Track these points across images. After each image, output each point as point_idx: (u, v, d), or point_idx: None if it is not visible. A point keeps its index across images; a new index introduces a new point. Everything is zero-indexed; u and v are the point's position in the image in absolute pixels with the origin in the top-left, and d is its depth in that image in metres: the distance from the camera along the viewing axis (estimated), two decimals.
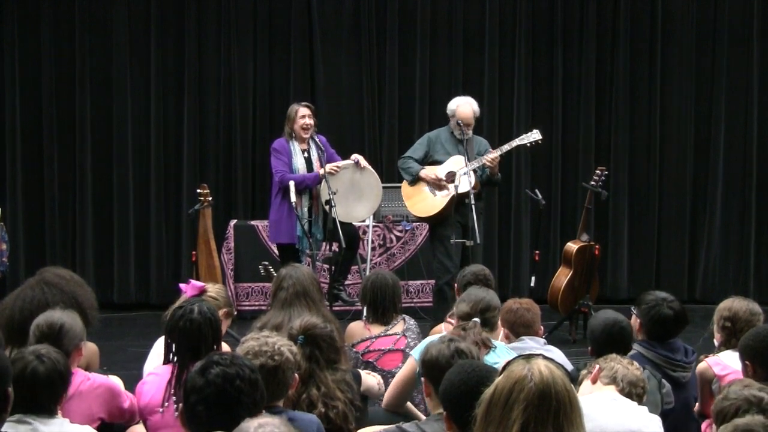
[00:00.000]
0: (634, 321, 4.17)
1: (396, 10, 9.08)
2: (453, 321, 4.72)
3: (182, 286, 4.37)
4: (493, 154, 6.78)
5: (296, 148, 6.85)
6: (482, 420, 2.21)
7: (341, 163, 6.83)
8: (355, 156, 6.90)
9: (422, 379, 3.21)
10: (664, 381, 3.81)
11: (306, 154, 6.87)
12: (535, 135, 6.97)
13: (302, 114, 6.84)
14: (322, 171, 6.70)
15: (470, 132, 6.91)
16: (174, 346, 3.49)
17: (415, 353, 4.08)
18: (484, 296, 4.17)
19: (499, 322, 4.28)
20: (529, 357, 2.26)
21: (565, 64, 9.22)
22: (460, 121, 6.84)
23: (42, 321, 3.55)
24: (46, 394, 3.04)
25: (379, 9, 9.06)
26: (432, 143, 6.98)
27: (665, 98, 9.28)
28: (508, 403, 2.15)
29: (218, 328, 3.56)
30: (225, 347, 4.06)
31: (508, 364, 2.27)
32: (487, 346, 3.76)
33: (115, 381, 3.78)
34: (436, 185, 6.84)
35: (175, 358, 3.47)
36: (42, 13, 8.68)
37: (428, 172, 6.88)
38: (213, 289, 4.35)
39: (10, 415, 2.97)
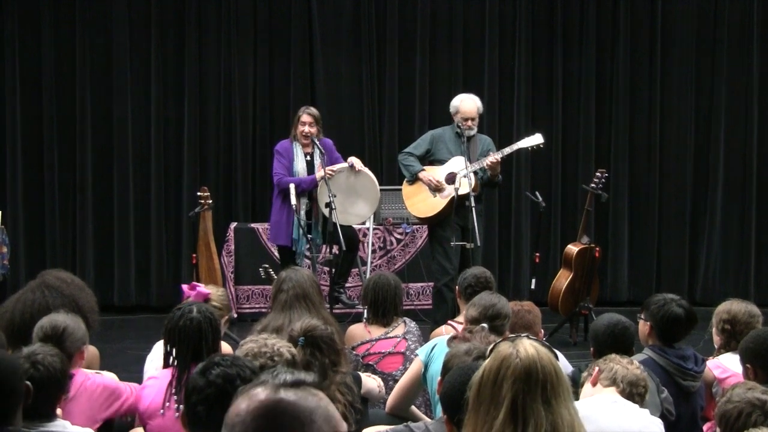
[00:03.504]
0: (643, 326, 4.12)
1: (396, 11, 9.09)
2: (455, 324, 4.72)
3: (185, 287, 4.35)
4: (494, 157, 6.76)
5: (299, 151, 6.88)
6: (474, 401, 2.26)
7: (336, 166, 6.82)
8: (351, 159, 6.89)
9: (438, 378, 3.21)
10: (663, 387, 3.79)
11: (308, 158, 6.89)
12: (537, 138, 6.94)
13: (303, 121, 6.88)
14: (319, 174, 6.71)
15: (474, 129, 6.89)
16: (174, 348, 3.49)
17: (421, 353, 4.07)
18: (495, 303, 4.09)
19: None
20: (514, 338, 2.31)
21: (565, 65, 9.23)
22: (460, 123, 6.82)
23: (46, 322, 3.57)
24: (43, 400, 3.04)
25: (379, 10, 9.06)
26: (435, 141, 6.95)
27: (665, 99, 9.28)
28: (497, 382, 2.21)
29: (218, 327, 3.57)
30: (226, 347, 4.07)
31: (495, 346, 2.31)
32: None
33: (111, 377, 3.79)
34: (435, 189, 6.81)
35: (175, 362, 3.47)
36: (42, 14, 8.68)
37: (427, 175, 6.86)
38: (216, 296, 4.33)
39: None
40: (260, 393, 1.57)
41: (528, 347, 2.25)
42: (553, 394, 2.20)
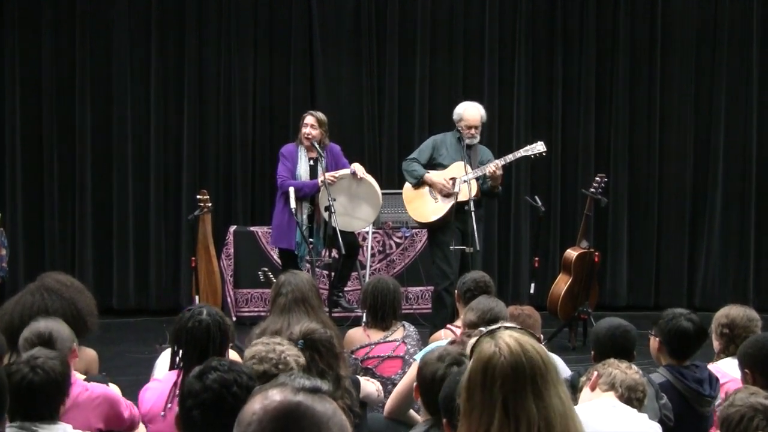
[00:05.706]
0: (653, 342, 4.05)
1: (396, 12, 9.09)
2: (453, 328, 4.73)
3: None
4: (496, 164, 6.74)
5: (303, 154, 6.90)
6: (466, 406, 2.20)
7: (339, 172, 6.83)
8: (353, 166, 6.89)
9: (414, 384, 3.22)
10: (662, 393, 3.77)
11: (312, 162, 6.90)
12: (539, 147, 6.92)
13: (305, 123, 6.92)
14: (320, 180, 6.72)
15: (477, 137, 6.89)
16: (181, 351, 3.47)
17: (419, 358, 4.07)
18: (492, 307, 4.10)
19: None
20: (493, 332, 2.22)
21: (565, 67, 9.23)
22: (463, 131, 6.81)
23: (29, 334, 3.52)
24: (43, 403, 3.03)
25: (379, 11, 9.07)
26: (437, 147, 6.95)
27: (665, 102, 9.29)
28: (486, 385, 2.15)
29: (226, 331, 3.49)
30: (235, 356, 4.02)
31: (476, 344, 2.25)
32: None
33: (114, 390, 3.75)
34: (443, 191, 6.80)
35: (182, 363, 3.44)
36: (43, 17, 8.68)
37: (434, 176, 6.86)
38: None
39: (11, 422, 2.97)
40: (278, 394, 1.58)
41: (510, 341, 2.16)
42: (544, 384, 2.15)
